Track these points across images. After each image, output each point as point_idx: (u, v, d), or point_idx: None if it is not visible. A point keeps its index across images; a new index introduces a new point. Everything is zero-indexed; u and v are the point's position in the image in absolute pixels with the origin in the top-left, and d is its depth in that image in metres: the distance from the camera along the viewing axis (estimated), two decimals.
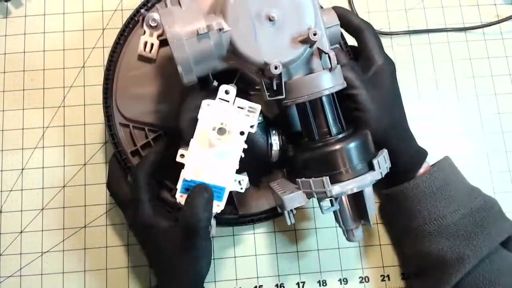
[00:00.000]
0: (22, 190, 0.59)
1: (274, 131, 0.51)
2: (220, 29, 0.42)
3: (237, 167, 0.45)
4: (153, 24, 0.55)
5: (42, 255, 0.57)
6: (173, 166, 0.46)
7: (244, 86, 0.52)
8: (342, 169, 0.45)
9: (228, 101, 0.45)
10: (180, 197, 0.45)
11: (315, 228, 0.59)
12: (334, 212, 0.49)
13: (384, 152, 0.48)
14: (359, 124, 0.50)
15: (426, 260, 0.52)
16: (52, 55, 0.62)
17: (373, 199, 0.49)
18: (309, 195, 0.46)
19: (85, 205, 0.59)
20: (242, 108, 0.45)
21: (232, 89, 0.45)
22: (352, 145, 0.45)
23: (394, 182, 0.54)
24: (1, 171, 0.59)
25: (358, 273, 0.58)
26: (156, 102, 0.55)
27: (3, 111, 0.60)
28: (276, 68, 0.42)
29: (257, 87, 0.54)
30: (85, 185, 0.59)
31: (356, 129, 0.49)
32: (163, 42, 0.55)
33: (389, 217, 0.59)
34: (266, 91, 0.45)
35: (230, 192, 0.47)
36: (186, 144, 0.46)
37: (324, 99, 0.46)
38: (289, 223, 0.47)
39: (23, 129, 0.60)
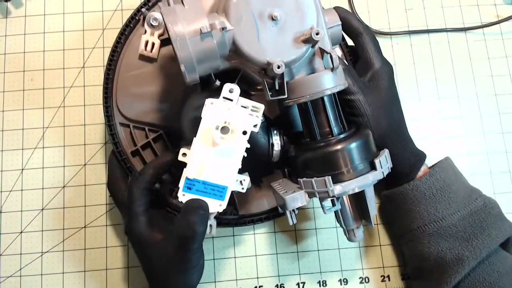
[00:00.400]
0: (22, 190, 0.58)
1: (275, 131, 0.51)
2: (223, 28, 0.42)
3: (240, 167, 0.45)
4: (154, 23, 0.54)
5: (42, 255, 0.57)
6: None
7: (245, 86, 0.52)
8: (343, 169, 0.45)
9: (232, 100, 0.45)
10: (183, 196, 0.45)
11: (315, 229, 0.59)
12: (335, 212, 0.49)
13: (386, 152, 0.48)
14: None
15: (426, 261, 0.52)
16: (52, 55, 0.62)
17: (374, 199, 0.49)
18: (311, 195, 0.46)
19: (85, 205, 0.58)
20: (245, 107, 0.45)
21: (236, 87, 0.45)
22: (353, 145, 0.45)
23: (393, 184, 0.54)
24: (1, 171, 0.59)
25: (358, 274, 0.58)
26: (157, 102, 0.55)
27: (3, 111, 0.60)
28: (278, 67, 0.42)
29: (258, 88, 0.54)
30: (85, 185, 0.59)
31: (357, 129, 0.49)
32: (164, 42, 0.55)
33: (388, 219, 0.59)
34: (268, 91, 0.45)
35: (231, 192, 0.47)
36: (187, 144, 0.46)
37: (325, 99, 0.47)
38: (291, 223, 0.47)
39: (23, 129, 0.60)
